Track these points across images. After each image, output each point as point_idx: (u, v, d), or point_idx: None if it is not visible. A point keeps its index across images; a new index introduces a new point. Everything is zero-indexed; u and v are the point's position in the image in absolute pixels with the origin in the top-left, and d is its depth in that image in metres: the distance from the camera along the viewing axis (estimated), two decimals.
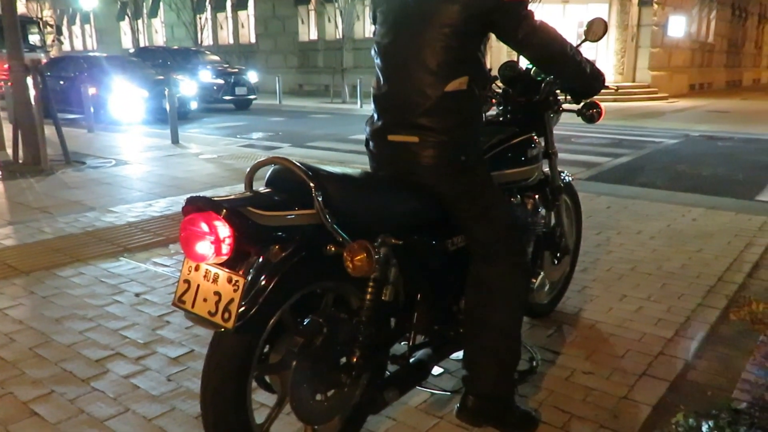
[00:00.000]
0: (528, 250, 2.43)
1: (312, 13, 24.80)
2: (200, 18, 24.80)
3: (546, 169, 2.64)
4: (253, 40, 26.99)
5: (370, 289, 1.72)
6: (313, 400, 1.71)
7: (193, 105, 13.52)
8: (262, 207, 1.51)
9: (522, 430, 2.04)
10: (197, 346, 2.63)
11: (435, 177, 1.89)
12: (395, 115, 1.91)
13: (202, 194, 1.54)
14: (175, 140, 8.96)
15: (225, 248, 1.43)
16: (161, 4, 28.25)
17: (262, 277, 1.49)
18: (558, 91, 2.52)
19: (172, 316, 2.94)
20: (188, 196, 1.51)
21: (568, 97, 2.44)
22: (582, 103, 2.47)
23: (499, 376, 1.97)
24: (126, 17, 28.15)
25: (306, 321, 1.67)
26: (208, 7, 27.55)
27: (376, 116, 1.98)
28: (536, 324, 2.87)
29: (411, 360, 1.99)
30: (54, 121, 7.15)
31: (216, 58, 18.34)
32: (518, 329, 2.01)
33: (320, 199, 1.57)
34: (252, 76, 16.71)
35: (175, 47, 20.13)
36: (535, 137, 2.44)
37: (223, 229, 1.43)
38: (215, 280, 1.47)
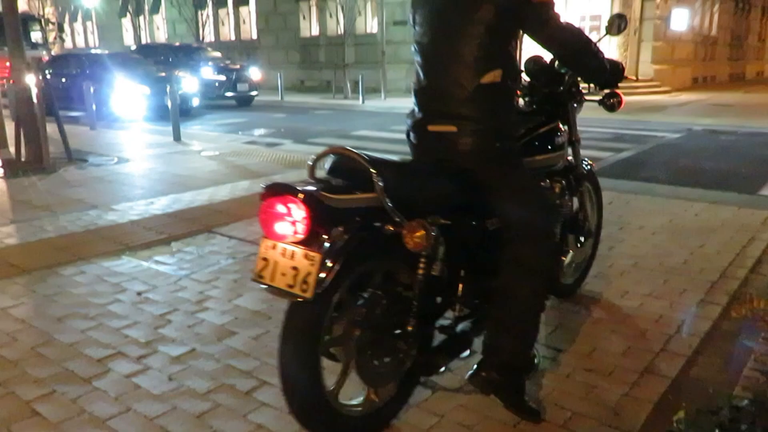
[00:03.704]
0: (557, 232, 2.56)
1: (313, 9, 24.72)
2: (201, 14, 24.78)
3: (570, 156, 2.81)
4: (254, 36, 26.93)
5: (421, 265, 1.93)
6: (374, 365, 1.90)
7: (195, 102, 13.51)
8: (331, 191, 1.73)
9: (523, 413, 2.10)
10: (199, 345, 2.64)
11: (473, 163, 2.05)
12: (434, 107, 2.09)
13: (276, 180, 1.76)
14: (177, 137, 8.95)
15: (301, 228, 1.66)
16: (163, 0, 28.21)
17: (334, 253, 1.69)
18: (580, 82, 2.68)
19: (173, 314, 2.95)
20: (266, 182, 1.75)
21: (591, 87, 2.65)
22: (603, 94, 2.64)
23: (518, 347, 2.10)
24: (128, 14, 28.10)
25: (366, 295, 1.88)
26: (210, 3, 27.52)
27: (416, 109, 2.15)
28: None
29: (456, 330, 2.18)
30: (56, 119, 7.16)
31: (217, 54, 18.33)
32: (542, 305, 2.17)
33: (381, 184, 1.77)
34: (254, 73, 16.68)
35: (177, 44, 20.12)
36: (561, 126, 2.62)
37: (300, 211, 1.65)
38: (292, 256, 1.70)
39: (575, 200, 2.88)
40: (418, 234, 1.81)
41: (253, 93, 16.53)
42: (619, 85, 2.60)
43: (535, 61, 2.70)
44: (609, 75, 2.35)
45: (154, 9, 29.33)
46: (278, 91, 18.44)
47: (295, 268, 1.69)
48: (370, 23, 23.63)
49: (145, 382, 2.35)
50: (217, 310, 3.00)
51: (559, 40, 2.07)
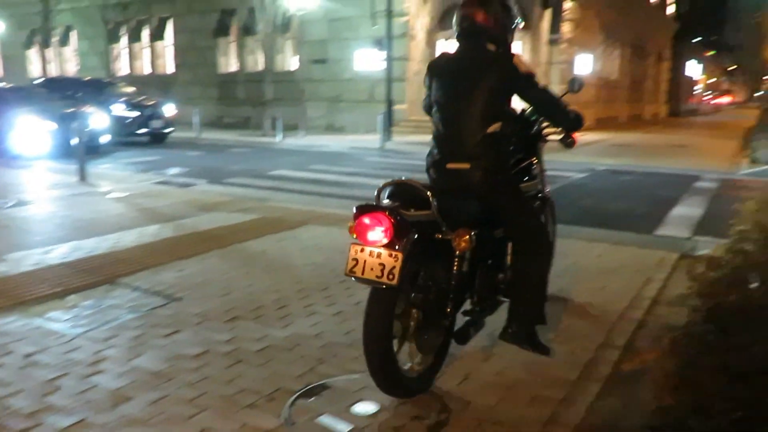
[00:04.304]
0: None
1: (232, 45, 24.60)
2: (114, 48, 24.06)
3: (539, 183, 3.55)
4: (171, 70, 26.43)
5: (456, 263, 2.69)
6: (425, 337, 2.63)
7: (105, 139, 12.99)
8: (405, 209, 2.43)
9: (539, 350, 2.90)
10: (90, 413, 2.47)
11: (483, 191, 2.80)
12: (452, 150, 2.82)
13: (366, 203, 2.44)
14: (83, 177, 8.56)
15: (387, 234, 2.34)
16: (72, 32, 27.24)
17: (408, 253, 2.36)
18: (544, 126, 3.41)
19: (64, 379, 2.75)
20: (358, 204, 2.42)
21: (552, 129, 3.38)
22: (562, 135, 3.32)
23: (533, 309, 2.90)
24: (34, 45, 26.92)
25: (421, 285, 2.61)
26: (124, 37, 26.85)
27: (436, 151, 2.89)
28: (445, 372, 2.87)
29: (475, 312, 2.95)
30: None
31: (131, 89, 17.79)
32: (546, 280, 3.00)
33: (435, 204, 2.50)
34: (169, 109, 16.29)
35: (87, 78, 19.38)
36: (535, 160, 3.40)
37: (387, 222, 2.34)
38: (378, 256, 2.36)
39: (542, 217, 3.55)
40: (465, 239, 2.58)
41: (168, 130, 16.12)
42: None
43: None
44: (571, 122, 3.08)
45: (64, 41, 28.26)
46: (195, 127, 18.08)
47: (381, 264, 2.35)
48: (290, 60, 23.73)
49: None
50: (113, 372, 2.83)
51: (540, 99, 2.92)
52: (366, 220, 2.38)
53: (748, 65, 69.10)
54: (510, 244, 2.98)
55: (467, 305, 2.95)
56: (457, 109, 2.82)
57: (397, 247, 2.36)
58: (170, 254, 4.81)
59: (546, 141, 3.49)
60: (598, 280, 4.33)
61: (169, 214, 6.37)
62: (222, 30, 24.10)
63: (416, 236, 2.44)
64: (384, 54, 17.46)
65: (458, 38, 2.95)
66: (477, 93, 2.76)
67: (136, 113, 15.33)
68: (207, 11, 24.16)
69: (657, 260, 4.84)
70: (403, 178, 2.60)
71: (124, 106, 15.35)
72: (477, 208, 2.82)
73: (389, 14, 17.20)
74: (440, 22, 18.17)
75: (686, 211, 7.41)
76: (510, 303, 2.96)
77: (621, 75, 29.61)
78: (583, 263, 4.74)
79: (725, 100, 71.02)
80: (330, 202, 7.54)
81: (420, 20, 19.17)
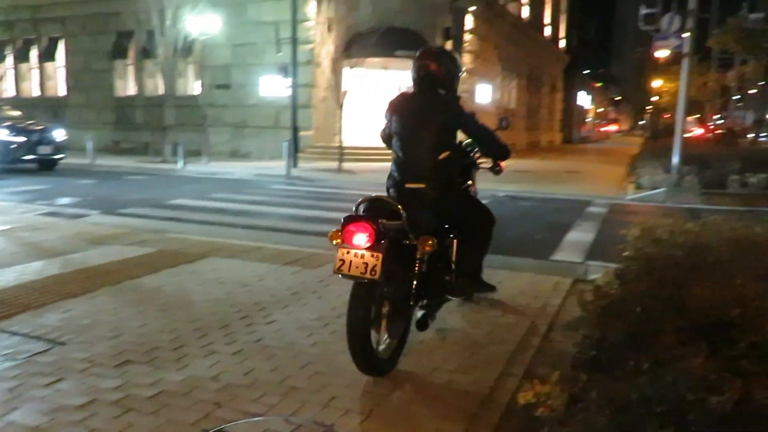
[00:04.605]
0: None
1: (130, 68, 23.70)
2: None
3: None
4: (63, 93, 25.08)
5: (418, 264, 3.31)
6: (395, 323, 3.27)
7: None
8: (383, 219, 3.01)
9: (487, 288, 4.13)
10: None
11: (436, 204, 3.53)
12: (410, 172, 3.55)
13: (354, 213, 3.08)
14: None
15: (370, 239, 2.90)
16: None
17: (385, 254, 2.92)
18: (477, 156, 4.11)
19: None
20: (345, 215, 2.99)
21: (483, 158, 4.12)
22: (492, 164, 4.06)
23: (477, 264, 3.96)
24: None
25: (391, 281, 3.16)
26: (10, 57, 25.27)
27: (396, 173, 3.62)
28: (350, 410, 2.82)
29: (430, 306, 3.65)
30: None
31: (17, 112, 16.68)
32: (489, 243, 3.90)
33: (405, 215, 3.14)
34: (59, 134, 15.38)
35: None
36: (470, 183, 4.19)
37: (371, 230, 2.90)
38: (362, 257, 2.92)
39: None
40: (429, 243, 3.22)
41: (58, 156, 15.21)
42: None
43: None
44: (502, 153, 3.86)
45: None
46: (89, 153, 17.17)
47: (365, 263, 2.91)
48: (192, 85, 23.16)
49: None
50: None
51: (479, 134, 3.71)
52: (352, 227, 2.96)
53: (632, 96, 74.68)
54: (455, 248, 3.82)
55: (424, 300, 3.61)
56: (414, 140, 3.55)
57: (377, 249, 2.93)
58: (55, 293, 4.47)
59: (478, 168, 4.24)
60: (498, 308, 4.44)
61: (56, 248, 5.96)
62: (119, 52, 23.20)
63: (392, 241, 3.04)
64: (289, 80, 17.41)
65: (415, 83, 3.67)
66: (430, 128, 3.51)
67: (22, 138, 14.36)
68: (102, 33, 23.22)
69: (553, 285, 5.04)
70: (376, 195, 3.28)
71: (8, 130, 14.34)
72: (432, 219, 3.48)
73: (294, 41, 17.22)
74: (345, 50, 18.38)
75: (579, 236, 7.81)
76: (459, 267, 3.80)
77: (518, 104, 31.12)
78: (482, 294, 4.83)
79: (613, 128, 76.15)
80: (233, 232, 7.34)
81: (325, 48, 19.31)
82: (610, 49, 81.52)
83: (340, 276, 2.98)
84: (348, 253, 2.96)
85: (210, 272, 5.20)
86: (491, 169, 4.10)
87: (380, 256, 2.91)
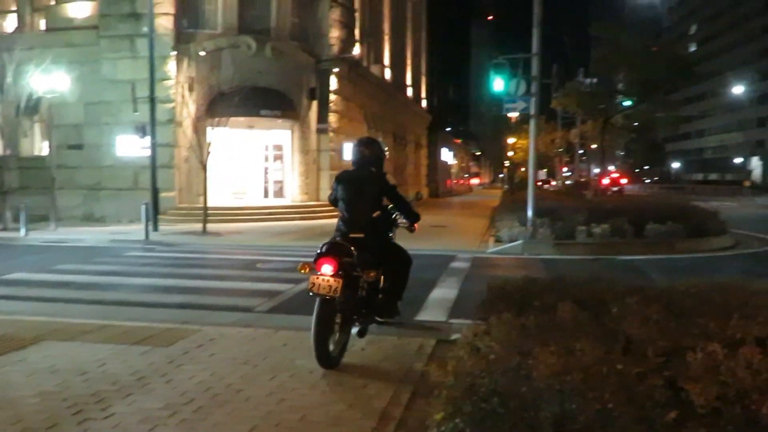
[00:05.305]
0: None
1: None
2: None
3: None
4: None
5: (363, 287, 4.68)
6: (346, 327, 4.64)
7: None
8: (343, 257, 4.44)
9: (395, 312, 5.28)
10: None
11: (371, 247, 4.75)
12: (352, 226, 4.83)
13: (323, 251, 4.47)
14: None
15: (334, 269, 4.32)
16: None
17: (344, 279, 4.33)
18: (398, 217, 5.40)
19: None
20: (318, 252, 4.46)
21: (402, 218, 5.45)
22: (407, 223, 5.37)
23: (397, 291, 5.26)
24: None
25: (345, 299, 4.46)
26: None
27: (343, 227, 4.88)
28: None
29: (367, 320, 4.99)
30: None
31: None
32: (405, 281, 5.32)
33: (356, 254, 4.50)
34: None
35: None
36: (391, 236, 5.46)
37: (335, 263, 4.34)
38: (328, 281, 4.28)
39: None
40: (371, 275, 4.58)
41: None
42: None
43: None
44: (414, 218, 5.32)
45: None
46: None
47: (330, 285, 4.27)
48: (39, 145, 21.54)
49: None
50: None
51: (399, 201, 5.20)
52: (322, 261, 4.38)
53: (490, 151, 79.83)
54: (383, 281, 5.07)
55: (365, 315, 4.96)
56: (355, 203, 4.93)
57: (338, 276, 4.32)
58: None
59: (398, 226, 5.49)
60: (363, 376, 4.31)
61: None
62: None
63: (348, 271, 4.43)
64: (148, 140, 16.67)
65: (354, 162, 5.15)
66: (366, 195, 4.95)
67: None
68: None
69: (417, 348, 5.02)
70: (336, 240, 4.72)
71: None
72: (372, 258, 4.70)
73: (152, 100, 16.60)
74: (209, 110, 17.98)
75: (443, 293, 7.94)
76: (386, 290, 5.11)
77: (386, 161, 31.96)
78: (346, 361, 4.69)
79: (476, 181, 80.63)
80: (76, 309, 6.66)
81: (187, 107, 18.81)
82: (469, 108, 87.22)
83: (310, 294, 4.34)
84: (318, 278, 4.32)
85: (42, 360, 4.62)
86: (408, 228, 5.41)
87: (341, 281, 4.30)
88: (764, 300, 3.42)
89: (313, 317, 4.27)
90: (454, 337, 5.31)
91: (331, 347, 4.43)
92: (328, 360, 4.37)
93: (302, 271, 4.52)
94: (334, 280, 4.25)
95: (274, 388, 4.08)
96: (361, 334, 4.97)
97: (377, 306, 5.02)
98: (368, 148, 5.13)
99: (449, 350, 4.75)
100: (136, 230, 15.29)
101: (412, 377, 4.30)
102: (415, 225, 5.39)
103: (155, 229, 15.71)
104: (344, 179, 5.03)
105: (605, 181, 37.95)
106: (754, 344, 2.53)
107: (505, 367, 2.55)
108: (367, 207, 4.88)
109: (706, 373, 2.29)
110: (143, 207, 14.55)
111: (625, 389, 2.31)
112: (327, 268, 4.29)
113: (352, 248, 4.50)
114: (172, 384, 4.14)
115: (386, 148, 5.26)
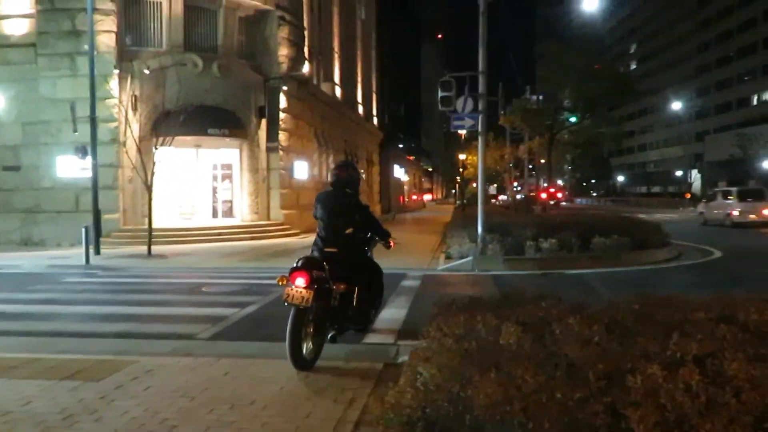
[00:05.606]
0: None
1: None
2: None
3: None
4: None
5: (335, 297, 5.22)
6: (318, 335, 5.14)
7: None
8: (315, 271, 5.05)
9: (368, 321, 5.97)
10: None
11: (345, 262, 5.39)
12: (328, 241, 5.48)
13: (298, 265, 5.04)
14: None
15: (306, 282, 4.91)
16: None
17: (316, 291, 4.93)
18: (374, 236, 5.98)
19: None
20: (292, 266, 5.05)
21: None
22: (383, 242, 6.01)
23: (373, 303, 5.97)
24: None
25: (318, 308, 5.07)
26: None
27: (320, 242, 5.52)
28: None
29: (340, 328, 5.61)
30: None
31: None
32: (380, 295, 6.21)
33: (327, 268, 5.16)
34: None
35: None
36: (367, 249, 6.02)
37: (307, 276, 4.93)
38: (301, 292, 4.87)
39: None
40: (342, 287, 5.15)
41: None
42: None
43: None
44: (384, 236, 5.95)
45: None
46: None
47: (302, 296, 4.84)
48: None
49: None
50: None
51: (370, 221, 5.81)
52: (296, 274, 4.89)
53: (443, 167, 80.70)
54: (356, 292, 5.47)
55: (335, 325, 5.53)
56: (329, 221, 5.51)
57: (310, 288, 4.86)
58: None
59: (375, 242, 6.02)
60: (305, 407, 4.14)
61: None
62: None
63: (319, 284, 4.95)
64: (89, 161, 16.12)
65: (331, 184, 5.70)
66: (341, 214, 5.52)
67: None
68: None
69: (363, 372, 4.88)
70: (310, 255, 5.33)
71: None
72: (343, 272, 5.23)
73: (93, 120, 16.08)
74: (153, 130, 17.54)
75: (393, 313, 7.83)
76: (359, 302, 5.51)
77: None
78: (291, 388, 4.53)
79: (428, 197, 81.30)
80: (3, 342, 6.24)
81: (131, 126, 18.32)
82: (420, 126, 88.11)
83: (285, 304, 4.86)
84: (292, 289, 4.84)
85: None
86: (384, 244, 6.05)
87: (312, 292, 4.84)
88: (703, 316, 3.44)
89: (288, 325, 4.82)
90: (401, 359, 5.21)
91: (305, 351, 4.93)
92: (301, 363, 4.88)
93: (279, 283, 4.99)
94: (306, 292, 4.81)
95: (213, 421, 3.88)
96: (333, 339, 5.49)
97: (351, 315, 5.47)
98: (344, 171, 5.71)
99: (396, 373, 4.67)
100: (76, 254, 14.70)
101: (358, 404, 4.15)
102: (391, 242, 6.05)
103: (97, 252, 15.14)
104: (322, 200, 5.66)
105: (543, 195, 38.97)
106: (693, 364, 2.51)
107: (445, 397, 2.47)
108: (341, 225, 5.47)
109: (646, 398, 2.25)
110: (83, 230, 14.01)
111: (565, 416, 2.25)
112: (300, 281, 4.84)
113: (325, 263, 5.12)
114: (102, 422, 3.89)
115: (362, 171, 6.28)
